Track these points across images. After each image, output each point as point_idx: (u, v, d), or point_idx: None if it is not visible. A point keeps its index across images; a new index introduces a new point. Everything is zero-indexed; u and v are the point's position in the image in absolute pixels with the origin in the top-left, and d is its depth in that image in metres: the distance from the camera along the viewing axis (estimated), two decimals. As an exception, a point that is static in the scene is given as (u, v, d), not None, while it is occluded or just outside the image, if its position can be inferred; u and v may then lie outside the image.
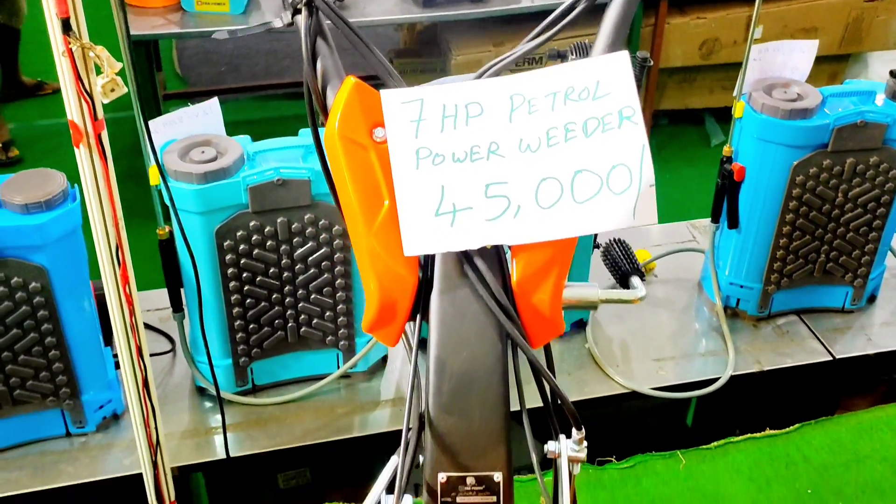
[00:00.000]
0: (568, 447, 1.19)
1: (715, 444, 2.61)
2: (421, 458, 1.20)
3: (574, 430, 1.20)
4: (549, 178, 1.16)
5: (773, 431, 2.62)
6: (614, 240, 1.48)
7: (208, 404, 2.69)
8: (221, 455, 2.53)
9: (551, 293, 1.18)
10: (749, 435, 2.62)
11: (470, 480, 1.17)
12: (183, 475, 2.52)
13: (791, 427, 2.62)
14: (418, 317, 1.19)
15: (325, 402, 2.71)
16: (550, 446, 1.22)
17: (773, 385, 2.82)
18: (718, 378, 2.76)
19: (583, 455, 1.20)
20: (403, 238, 1.14)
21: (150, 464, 2.30)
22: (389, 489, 1.19)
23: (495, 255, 1.18)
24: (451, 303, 1.17)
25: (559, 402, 1.20)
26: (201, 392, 2.71)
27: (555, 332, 1.20)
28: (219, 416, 2.57)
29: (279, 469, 2.80)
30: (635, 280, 1.42)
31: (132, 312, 2.05)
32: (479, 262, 1.16)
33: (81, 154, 1.77)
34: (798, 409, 2.75)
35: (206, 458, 2.53)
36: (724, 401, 2.78)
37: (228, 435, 2.54)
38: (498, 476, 1.17)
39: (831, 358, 2.84)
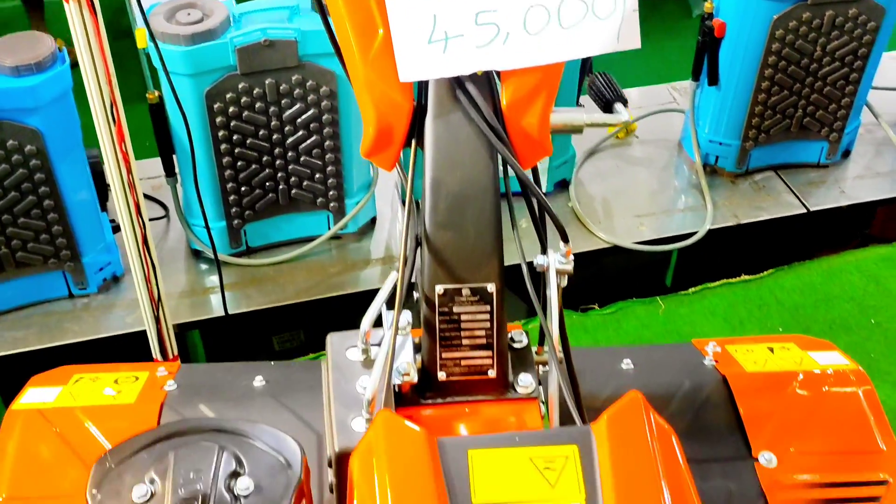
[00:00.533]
0: (556, 260, 1.27)
1: (692, 289, 2.73)
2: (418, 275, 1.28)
3: (561, 244, 1.28)
4: (536, 5, 1.21)
5: (747, 277, 2.74)
6: (598, 73, 1.53)
7: (204, 266, 2.77)
8: (219, 313, 2.63)
9: (539, 116, 1.24)
10: (725, 280, 2.74)
11: (465, 292, 1.25)
12: (181, 334, 2.62)
13: (765, 272, 2.74)
14: (413, 142, 1.25)
15: (317, 262, 2.79)
16: (539, 260, 1.30)
17: (750, 238, 2.93)
18: (696, 232, 2.86)
19: (569, 267, 1.28)
20: (398, 65, 1.19)
21: (153, 319, 2.40)
22: (389, 304, 1.27)
23: (486, 81, 1.24)
24: (445, 126, 1.23)
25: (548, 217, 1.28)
26: (197, 255, 2.79)
27: (543, 152, 1.27)
28: (214, 278, 2.65)
29: (274, 329, 2.90)
30: (618, 106, 1.48)
31: (129, 169, 2.10)
32: (471, 88, 1.22)
33: (71, 8, 1.79)
34: (773, 260, 2.86)
35: (205, 316, 2.63)
36: (703, 255, 2.88)
37: (225, 294, 2.62)
38: (491, 287, 1.26)
39: (806, 211, 2.94)
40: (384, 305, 1.28)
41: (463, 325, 1.27)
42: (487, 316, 1.27)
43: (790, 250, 2.95)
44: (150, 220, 2.85)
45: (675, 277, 3.05)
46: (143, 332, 2.43)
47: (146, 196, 2.94)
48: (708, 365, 1.56)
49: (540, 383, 1.32)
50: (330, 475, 1.23)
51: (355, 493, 0.98)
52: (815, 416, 1.47)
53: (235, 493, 0.93)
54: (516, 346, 1.35)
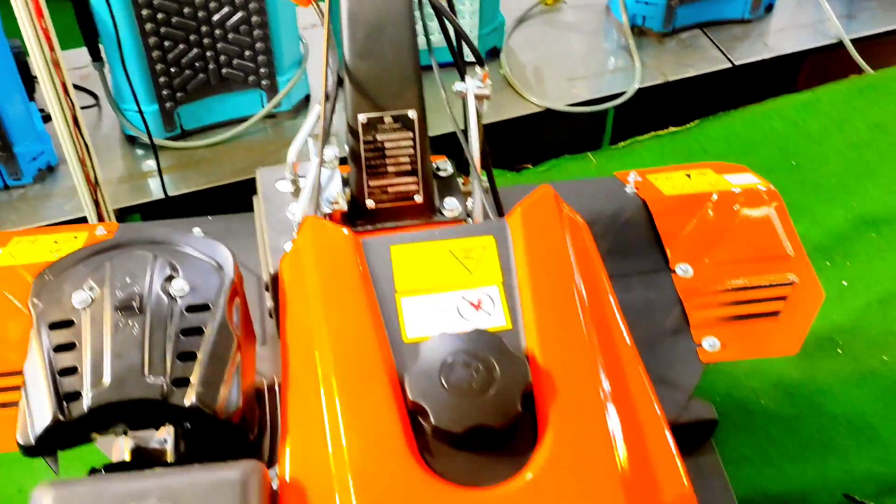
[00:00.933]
0: (474, 86, 1.32)
1: (622, 143, 2.80)
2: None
3: (478, 69, 1.32)
4: None
5: (675, 129, 2.82)
6: None
7: (140, 151, 2.76)
8: (159, 195, 2.64)
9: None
10: (653, 133, 2.81)
11: (387, 119, 1.30)
12: (121, 218, 2.63)
13: (691, 123, 2.81)
14: None
15: (254, 141, 2.80)
16: (458, 87, 1.34)
17: (679, 95, 2.99)
18: (625, 92, 2.91)
19: (487, 91, 1.33)
20: None
21: (93, 203, 2.41)
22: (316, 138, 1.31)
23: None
24: (357, -43, 1.25)
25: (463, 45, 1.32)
26: (132, 141, 2.78)
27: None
28: (151, 162, 2.65)
29: (214, 209, 2.91)
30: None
31: (52, 48, 2.08)
32: None
33: None
34: (702, 114, 2.92)
35: (144, 199, 2.64)
36: (634, 115, 2.94)
37: (163, 177, 2.63)
38: (412, 113, 1.30)
39: (731, 65, 3.01)
40: (310, 139, 1.32)
41: (387, 153, 1.31)
42: (410, 143, 1.32)
43: (718, 105, 3.01)
44: (82, 108, 2.83)
45: (613, 139, 3.11)
46: (84, 219, 2.44)
47: (75, 86, 2.91)
48: (629, 192, 1.63)
49: (467, 211, 1.38)
50: (268, 300, 1.29)
51: (287, 294, 1.04)
52: (728, 229, 1.56)
53: (171, 294, 0.98)
54: (441, 174, 1.40)
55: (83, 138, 2.26)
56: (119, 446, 1.03)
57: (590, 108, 2.91)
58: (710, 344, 1.42)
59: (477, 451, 0.89)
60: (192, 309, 0.97)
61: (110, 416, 0.92)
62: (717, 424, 1.40)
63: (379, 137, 1.30)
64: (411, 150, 1.31)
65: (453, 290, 1.00)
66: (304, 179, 1.33)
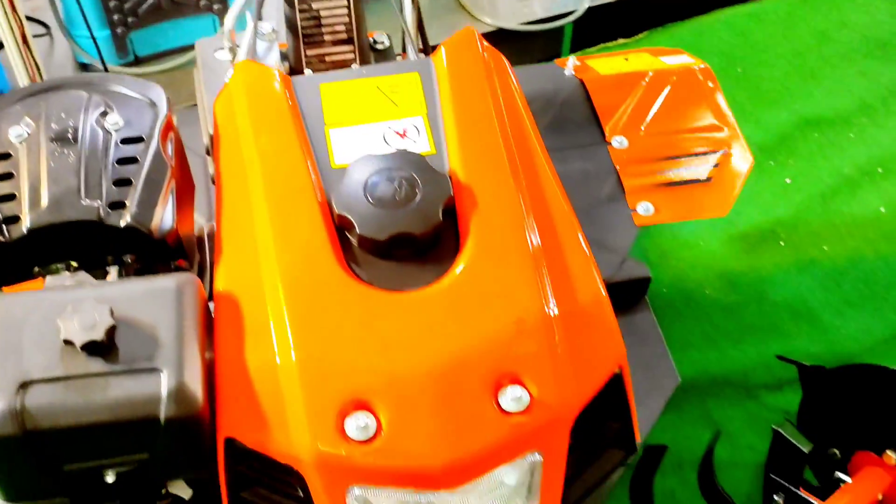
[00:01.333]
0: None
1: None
2: None
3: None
4: None
5: (623, 40, 2.85)
6: None
7: (94, 78, 2.76)
8: (115, 120, 2.64)
9: None
10: (602, 45, 2.85)
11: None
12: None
13: (640, 35, 2.85)
14: None
15: (209, 66, 2.81)
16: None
17: (630, 8, 3.00)
18: (575, 10, 2.94)
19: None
20: None
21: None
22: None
23: None
24: None
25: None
26: (85, 69, 2.77)
27: None
28: (107, 87, 2.65)
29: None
30: None
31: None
32: None
33: None
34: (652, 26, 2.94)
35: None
36: (588, 32, 2.96)
37: (118, 99, 2.63)
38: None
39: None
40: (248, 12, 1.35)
41: (323, 21, 1.34)
42: (345, 11, 1.35)
43: (668, 18, 3.02)
44: (34, 37, 2.83)
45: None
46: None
47: (27, 17, 2.90)
48: (567, 74, 1.67)
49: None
50: (210, 166, 1.33)
51: (220, 131, 1.08)
52: (663, 104, 1.60)
53: (106, 128, 1.01)
54: (379, 47, 1.44)
55: (36, 66, 2.27)
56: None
57: (542, 26, 2.94)
58: (644, 209, 1.47)
59: (401, 261, 0.94)
60: (126, 141, 1.01)
61: (50, 243, 0.95)
62: (650, 282, 1.46)
63: (314, 6, 1.33)
64: (346, 19, 1.34)
65: (380, 122, 1.04)
66: (241, 49, 1.36)
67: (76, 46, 2.71)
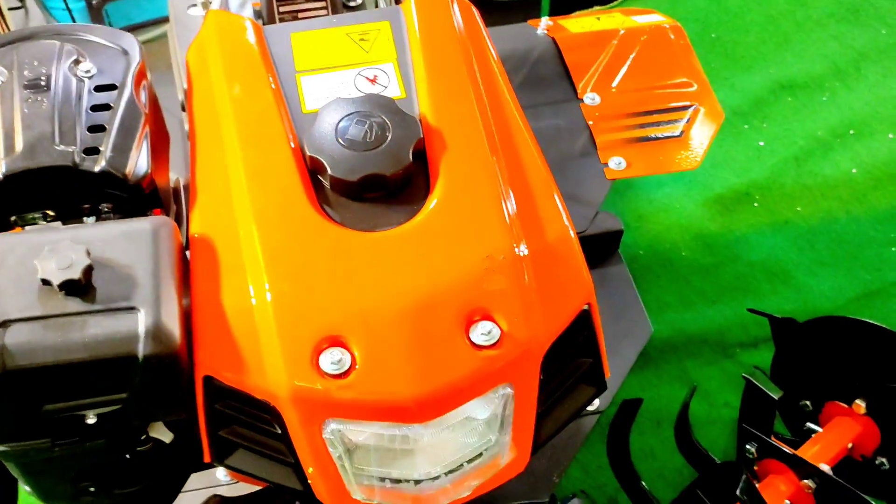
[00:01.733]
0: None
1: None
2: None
3: None
4: None
5: (599, 7, 2.86)
6: None
7: (70, 51, 2.76)
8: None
9: None
10: (578, 13, 2.85)
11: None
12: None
13: (615, 1, 2.86)
14: None
15: (186, 38, 2.80)
16: None
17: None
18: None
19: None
20: None
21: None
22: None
23: None
24: None
25: None
26: (61, 42, 2.76)
27: None
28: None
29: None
30: None
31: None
32: None
33: None
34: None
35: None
36: (563, 1, 2.98)
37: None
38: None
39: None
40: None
41: (295, -22, 1.35)
42: (317, -33, 1.36)
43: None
44: (9, 9, 2.82)
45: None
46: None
47: (0, -10, 2.88)
48: (540, 34, 1.69)
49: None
50: (185, 124, 1.33)
51: (193, 83, 1.09)
52: (634, 61, 1.62)
53: (79, 76, 1.02)
54: (351, 3, 1.45)
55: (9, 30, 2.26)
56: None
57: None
58: (616, 163, 1.49)
59: (373, 203, 0.96)
60: (100, 88, 1.02)
61: (26, 190, 0.96)
62: (622, 234, 1.48)
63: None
64: (319, -25, 1.36)
65: (350, 68, 1.05)
66: (214, 4, 1.36)
67: (51, 18, 2.70)
